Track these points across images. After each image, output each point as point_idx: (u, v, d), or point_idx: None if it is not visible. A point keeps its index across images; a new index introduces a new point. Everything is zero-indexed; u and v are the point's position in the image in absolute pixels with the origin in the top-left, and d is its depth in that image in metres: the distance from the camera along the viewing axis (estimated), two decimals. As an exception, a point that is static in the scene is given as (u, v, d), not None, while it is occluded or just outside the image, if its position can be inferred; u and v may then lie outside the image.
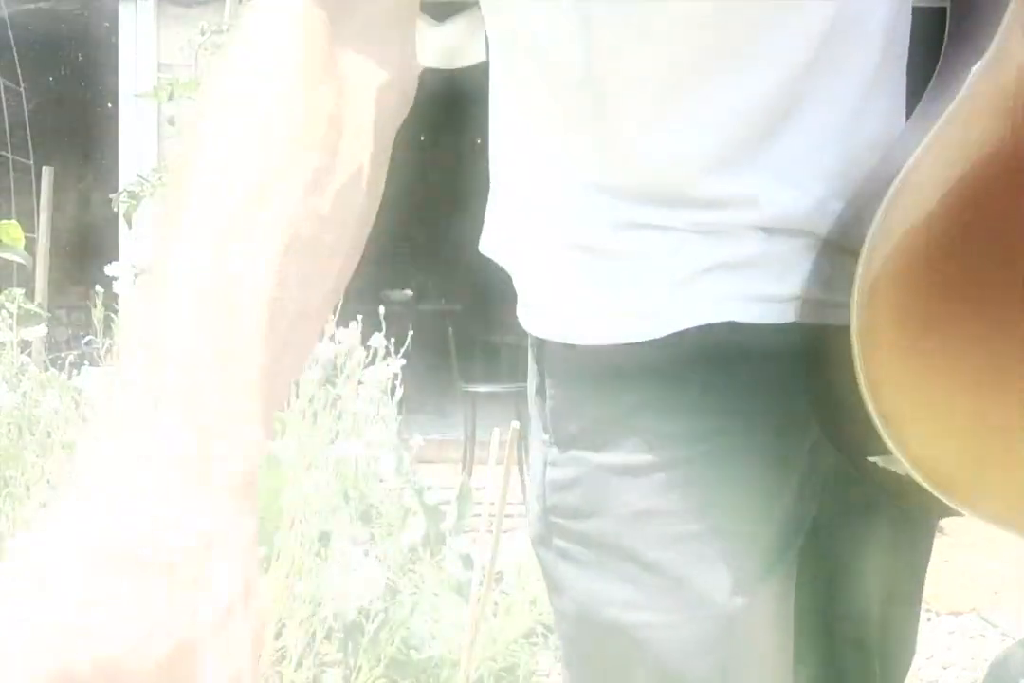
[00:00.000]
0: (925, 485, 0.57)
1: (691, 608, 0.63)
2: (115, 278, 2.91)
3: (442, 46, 4.41)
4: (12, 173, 4.39)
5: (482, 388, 4.32)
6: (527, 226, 0.69)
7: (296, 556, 1.49)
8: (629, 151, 0.63)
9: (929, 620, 2.75)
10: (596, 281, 0.65)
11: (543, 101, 0.66)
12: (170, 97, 3.13)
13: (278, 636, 1.48)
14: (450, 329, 4.41)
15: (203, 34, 3.31)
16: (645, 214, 0.63)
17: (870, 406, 0.57)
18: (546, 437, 0.68)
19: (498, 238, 0.72)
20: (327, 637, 1.62)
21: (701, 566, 0.63)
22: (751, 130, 0.62)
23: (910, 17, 0.67)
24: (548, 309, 0.68)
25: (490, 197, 0.72)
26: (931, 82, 0.65)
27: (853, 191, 0.64)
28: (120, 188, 3.30)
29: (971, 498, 0.59)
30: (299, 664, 1.49)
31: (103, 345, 2.50)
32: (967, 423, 0.59)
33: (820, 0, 0.61)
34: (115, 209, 3.17)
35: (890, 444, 0.57)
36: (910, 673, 0.77)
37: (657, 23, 0.59)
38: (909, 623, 0.77)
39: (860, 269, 0.56)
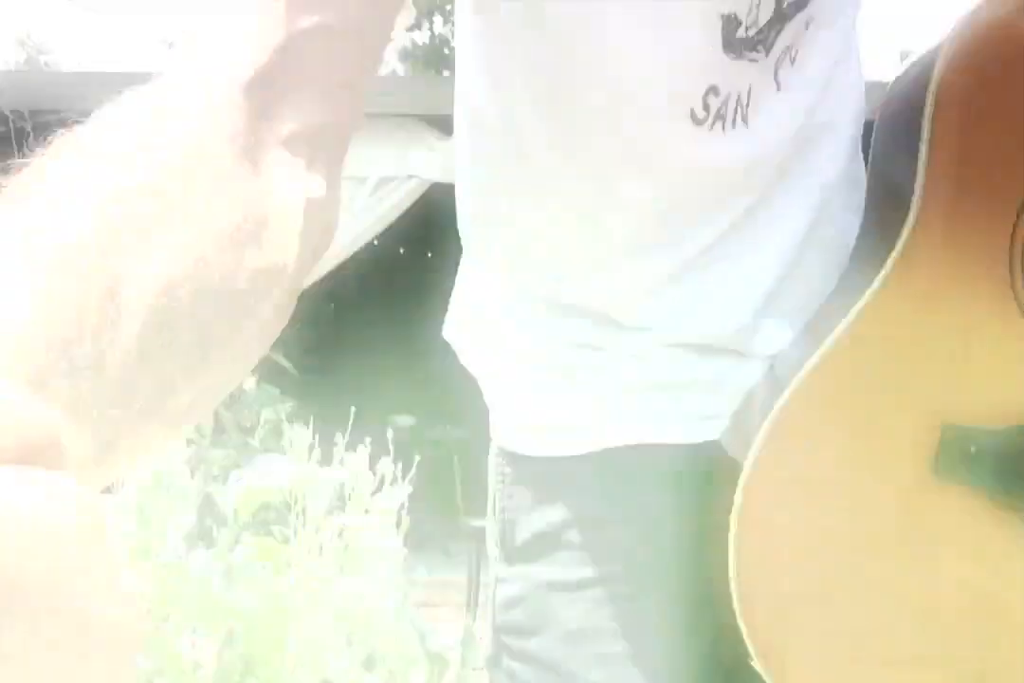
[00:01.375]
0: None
1: None
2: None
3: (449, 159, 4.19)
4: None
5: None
6: (483, 331, 0.71)
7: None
8: (565, 279, 0.66)
9: None
10: (535, 392, 0.68)
11: (505, 230, 0.69)
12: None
13: None
14: (455, 458, 4.10)
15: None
16: (582, 334, 0.66)
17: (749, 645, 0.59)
18: (497, 552, 0.69)
19: (458, 330, 0.73)
20: None
21: None
22: (684, 265, 0.64)
23: (860, 135, 0.69)
24: (497, 414, 0.70)
25: (456, 283, 0.74)
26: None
27: (804, 328, 0.65)
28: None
29: None
30: None
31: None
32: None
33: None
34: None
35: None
36: None
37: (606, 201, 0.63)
38: None
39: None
